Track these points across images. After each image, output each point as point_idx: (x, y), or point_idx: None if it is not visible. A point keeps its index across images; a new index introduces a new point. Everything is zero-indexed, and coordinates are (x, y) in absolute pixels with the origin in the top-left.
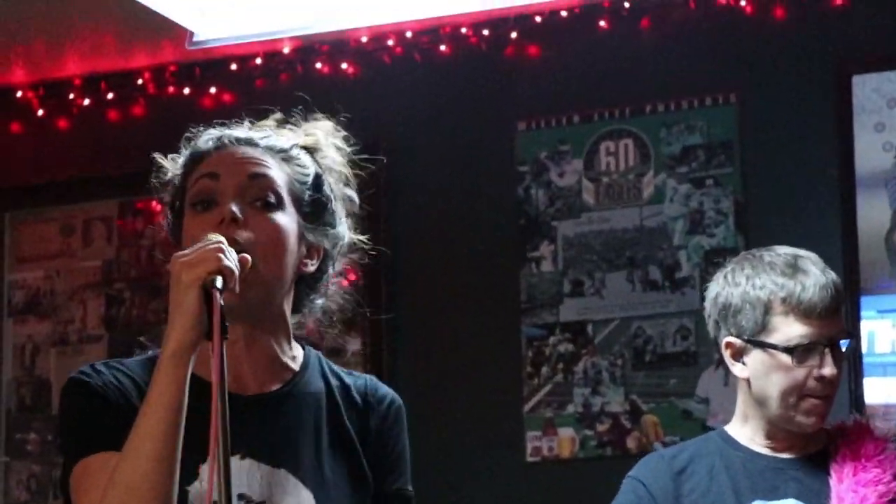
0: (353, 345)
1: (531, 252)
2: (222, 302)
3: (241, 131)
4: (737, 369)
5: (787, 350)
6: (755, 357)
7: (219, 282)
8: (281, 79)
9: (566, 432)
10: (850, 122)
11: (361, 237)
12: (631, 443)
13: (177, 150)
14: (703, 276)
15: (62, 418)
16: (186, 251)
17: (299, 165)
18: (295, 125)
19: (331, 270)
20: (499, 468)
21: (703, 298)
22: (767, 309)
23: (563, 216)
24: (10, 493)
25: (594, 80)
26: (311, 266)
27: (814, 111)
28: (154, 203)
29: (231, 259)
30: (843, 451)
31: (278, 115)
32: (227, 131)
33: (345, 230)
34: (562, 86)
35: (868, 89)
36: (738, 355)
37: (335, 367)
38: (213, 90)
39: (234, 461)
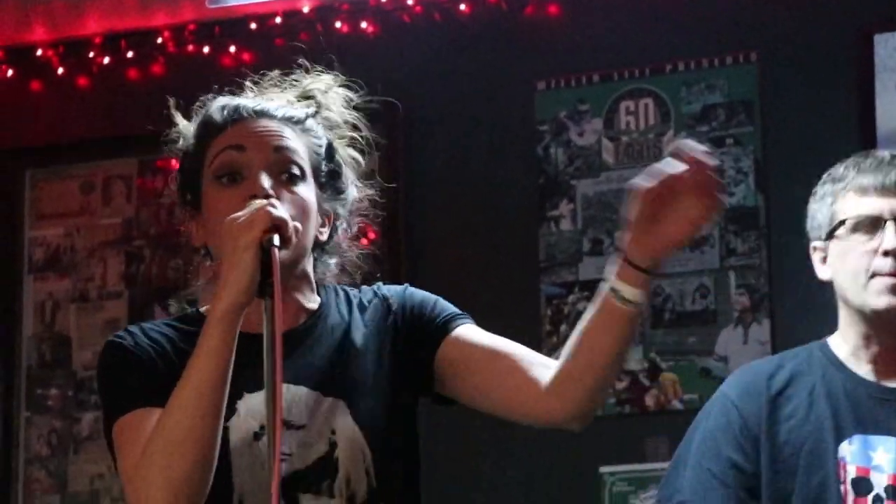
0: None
1: (550, 211)
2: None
3: (257, 102)
4: (823, 273)
5: (847, 226)
6: (831, 253)
7: (276, 240)
8: (300, 38)
9: None
10: (872, 82)
11: (369, 191)
12: (649, 401)
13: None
14: (722, 234)
15: (100, 381)
16: (239, 213)
17: (315, 136)
18: (297, 80)
19: (340, 232)
20: (517, 425)
21: (721, 257)
22: (833, 199)
23: (583, 175)
24: (30, 447)
25: (614, 39)
26: (325, 234)
27: (835, 70)
28: (174, 162)
29: (284, 212)
30: None
31: (276, 73)
32: (242, 101)
33: (353, 192)
34: (581, 45)
35: (890, 48)
36: (823, 261)
37: (350, 292)
38: (232, 49)
39: (252, 396)
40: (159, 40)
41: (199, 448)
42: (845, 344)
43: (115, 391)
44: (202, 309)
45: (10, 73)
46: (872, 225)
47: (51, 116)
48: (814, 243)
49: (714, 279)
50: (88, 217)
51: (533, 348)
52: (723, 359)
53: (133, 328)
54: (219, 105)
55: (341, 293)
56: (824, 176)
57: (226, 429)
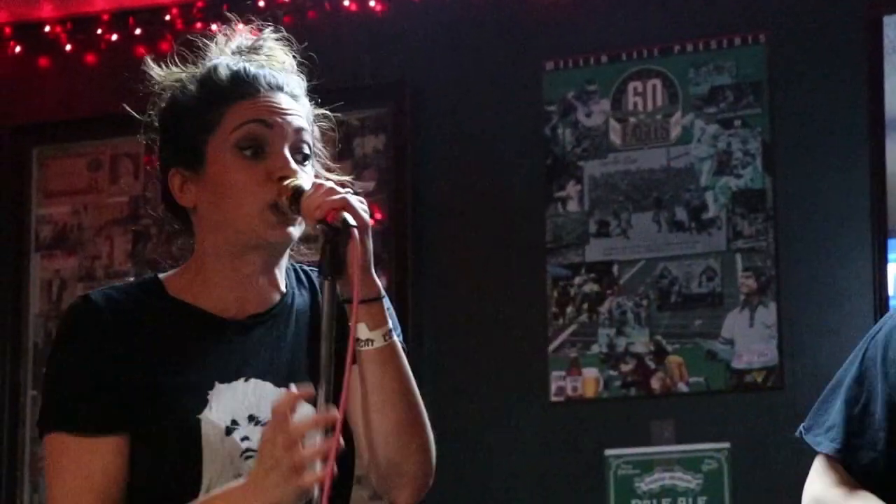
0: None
1: (557, 192)
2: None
3: (272, 75)
4: None
5: None
6: None
7: (351, 219)
8: (308, 16)
9: (590, 372)
10: (880, 63)
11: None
12: (655, 383)
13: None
14: (729, 217)
15: (51, 363)
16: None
17: (309, 114)
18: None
19: None
20: (523, 407)
21: (728, 239)
22: None
23: (590, 156)
24: (36, 426)
25: (622, 19)
26: None
27: (843, 52)
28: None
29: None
30: None
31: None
32: (258, 71)
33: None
34: (590, 25)
35: None
36: None
37: (306, 270)
38: (240, 27)
39: (240, 384)
40: (167, 18)
41: None
42: None
43: (61, 392)
44: (161, 276)
45: (18, 49)
46: None
47: (58, 93)
48: None
49: (721, 261)
50: (96, 195)
51: (539, 329)
52: (729, 342)
53: (99, 301)
54: (232, 70)
55: (293, 273)
56: None
57: (197, 420)
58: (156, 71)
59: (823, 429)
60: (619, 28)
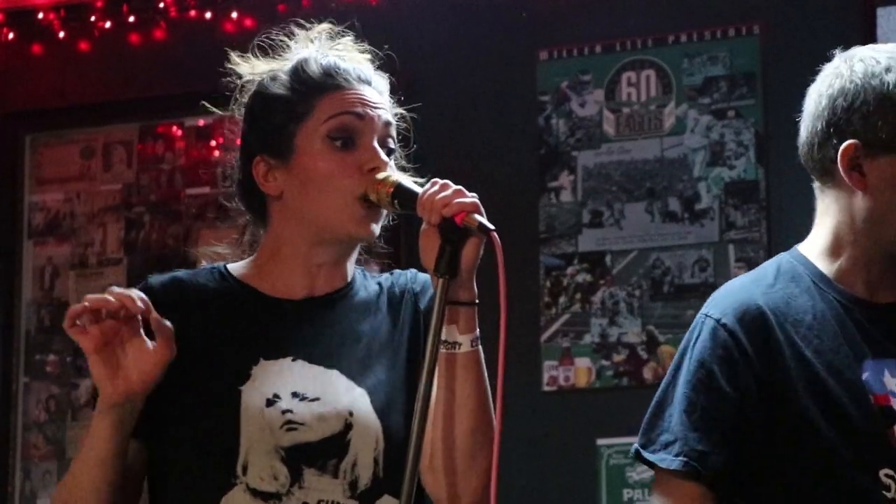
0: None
1: (551, 182)
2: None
3: (362, 69)
4: (853, 179)
5: None
6: (881, 165)
7: (487, 223)
8: (303, 5)
9: (583, 362)
10: None
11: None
12: (647, 373)
13: (199, 75)
14: (722, 207)
15: None
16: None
17: (392, 110)
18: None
19: None
20: (515, 397)
21: (721, 230)
22: None
23: (584, 146)
24: (29, 413)
25: (617, 10)
26: None
27: (838, 43)
28: (174, 128)
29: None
30: None
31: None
32: (350, 66)
33: None
34: (584, 15)
35: (892, 21)
36: (856, 163)
37: (377, 277)
38: (234, 15)
39: (286, 362)
40: (161, 5)
41: None
42: (837, 263)
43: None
44: (229, 265)
45: (10, 36)
46: None
47: (52, 80)
48: (851, 140)
49: (713, 252)
50: (88, 182)
51: (531, 319)
52: None
53: (154, 285)
54: (322, 63)
55: (368, 276)
56: (880, 56)
57: (237, 391)
58: (244, 66)
59: (661, 445)
60: (614, 18)
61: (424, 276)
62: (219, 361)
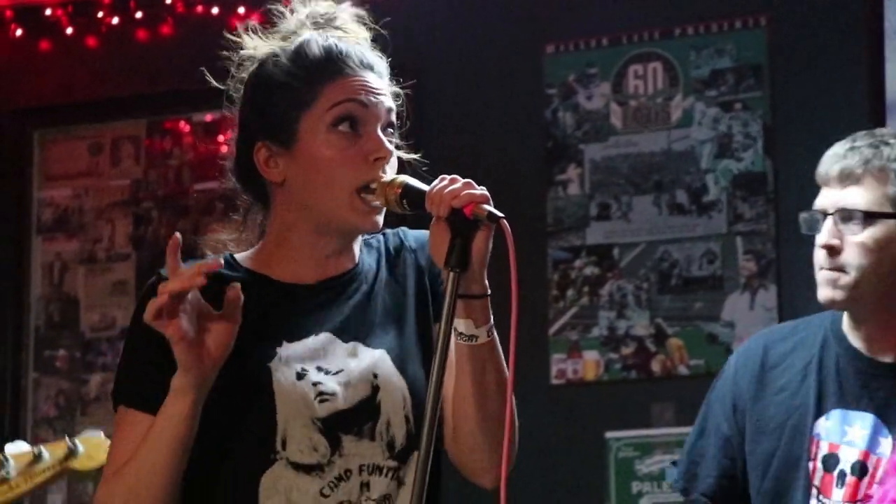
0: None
1: (558, 175)
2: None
3: (364, 54)
4: None
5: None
6: None
7: (496, 212)
8: None
9: (591, 355)
10: (881, 46)
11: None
12: (655, 366)
13: (211, 70)
14: (730, 200)
15: (126, 338)
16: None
17: (391, 92)
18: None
19: None
20: (523, 390)
21: (729, 223)
22: None
23: (591, 139)
24: (38, 408)
25: (623, 3)
26: None
27: (844, 35)
28: (182, 123)
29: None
30: None
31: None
32: (352, 50)
33: None
34: (590, 8)
35: None
36: None
37: (371, 239)
38: (241, 10)
39: (308, 342)
40: (168, 1)
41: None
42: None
43: (130, 369)
44: (235, 254)
45: (19, 32)
46: (817, 217)
47: (59, 77)
48: None
49: (721, 245)
50: (97, 178)
51: (539, 312)
52: (729, 324)
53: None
54: (323, 47)
55: (364, 239)
56: None
57: (267, 368)
58: (245, 41)
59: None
60: (620, 11)
61: (416, 232)
62: (243, 346)
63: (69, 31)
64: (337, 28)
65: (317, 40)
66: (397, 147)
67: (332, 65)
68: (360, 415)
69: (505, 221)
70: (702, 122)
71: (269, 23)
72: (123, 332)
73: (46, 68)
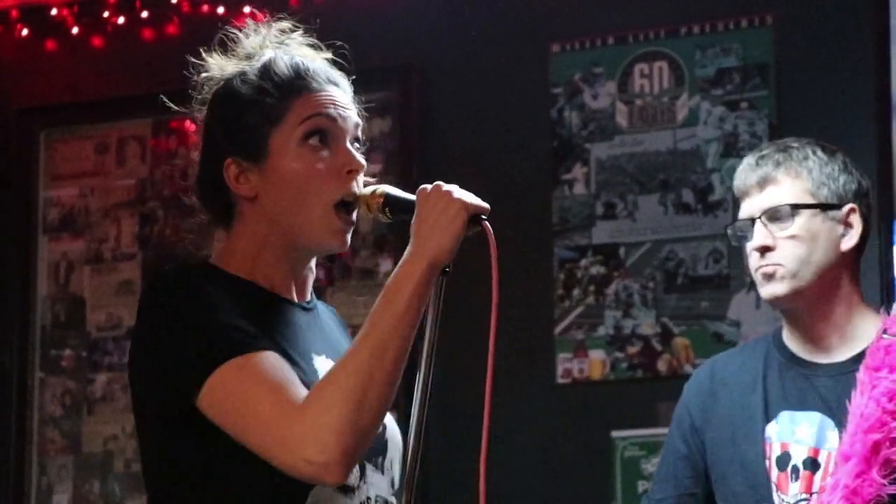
0: (385, 266)
1: (564, 174)
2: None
3: (329, 70)
4: None
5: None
6: None
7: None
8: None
9: (597, 354)
10: (887, 46)
11: None
12: (662, 365)
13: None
14: (735, 199)
15: (183, 314)
16: (448, 186)
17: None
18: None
19: None
20: (529, 390)
21: (735, 221)
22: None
23: (597, 139)
24: (44, 408)
25: (629, 1)
26: None
27: (850, 34)
28: (188, 123)
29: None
30: (866, 361)
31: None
32: (318, 66)
33: None
34: (596, 7)
35: None
36: None
37: None
38: (246, 9)
39: (322, 360)
40: (174, 0)
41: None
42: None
43: (228, 327)
44: (212, 261)
45: (24, 32)
46: (745, 226)
47: (65, 76)
48: None
49: (727, 244)
50: (103, 178)
51: (545, 311)
52: (735, 323)
53: (193, 277)
54: (291, 64)
55: None
56: None
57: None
58: (210, 62)
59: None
60: (626, 10)
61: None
62: (289, 355)
63: (75, 30)
64: (295, 48)
65: (282, 58)
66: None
67: (301, 80)
68: (377, 446)
69: (486, 224)
70: (707, 122)
71: (226, 46)
72: (130, 332)
73: (52, 68)
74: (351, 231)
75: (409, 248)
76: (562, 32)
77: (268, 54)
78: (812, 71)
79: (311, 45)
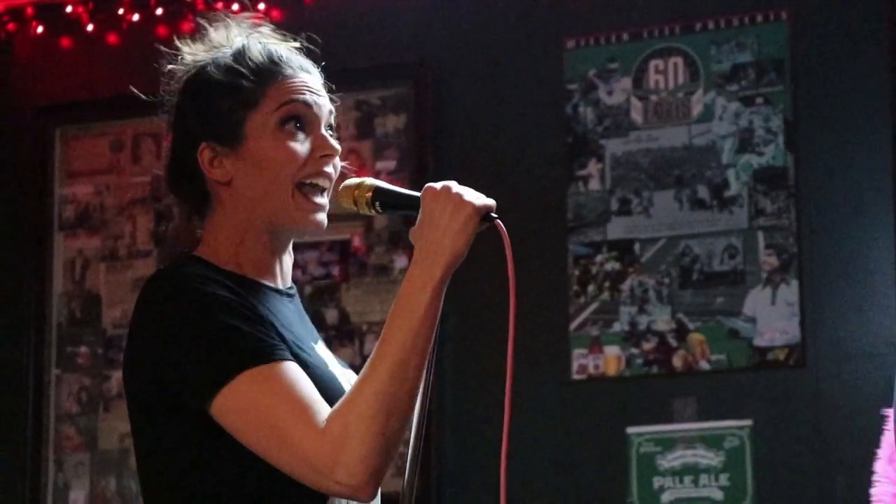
0: (400, 262)
1: (579, 170)
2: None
3: (300, 57)
4: None
5: None
6: None
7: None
8: None
9: (612, 350)
10: None
11: None
12: (677, 361)
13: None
14: (751, 194)
15: (193, 319)
16: (454, 185)
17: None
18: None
19: None
20: (544, 386)
21: (750, 217)
22: None
23: (612, 134)
24: (60, 405)
25: None
26: None
27: (865, 28)
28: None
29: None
30: None
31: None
32: (288, 54)
33: None
34: (611, 3)
35: None
36: None
37: None
38: (261, 6)
39: (320, 348)
40: None
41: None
42: None
43: (250, 333)
44: (197, 254)
45: (40, 29)
46: None
47: (80, 74)
48: None
49: (742, 239)
50: (118, 175)
51: (560, 307)
52: (751, 319)
53: (201, 281)
54: (264, 50)
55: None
56: None
57: (332, 375)
58: (182, 49)
59: None
60: (640, 6)
61: None
62: (293, 349)
63: (90, 28)
64: (265, 37)
65: (255, 45)
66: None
67: (275, 66)
68: None
69: (499, 223)
70: (723, 117)
71: (200, 35)
72: None
73: (67, 65)
74: (323, 212)
75: (419, 253)
76: (576, 28)
77: (240, 41)
78: (827, 66)
79: (281, 37)
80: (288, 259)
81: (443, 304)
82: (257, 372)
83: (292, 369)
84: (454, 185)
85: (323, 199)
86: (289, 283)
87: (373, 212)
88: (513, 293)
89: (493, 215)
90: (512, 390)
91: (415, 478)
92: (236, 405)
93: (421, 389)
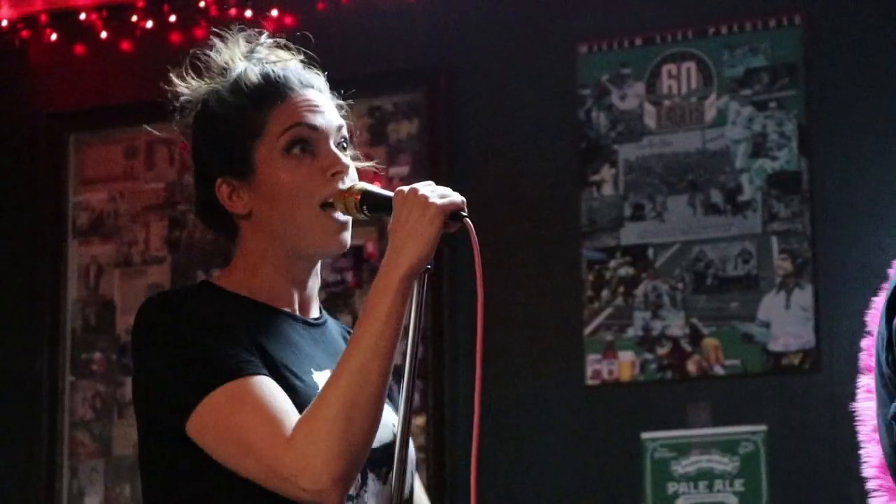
0: None
1: (592, 175)
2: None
3: (302, 73)
4: None
5: None
6: None
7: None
8: (342, 1)
9: (626, 356)
10: None
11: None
12: (691, 366)
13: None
14: (765, 199)
15: (178, 338)
16: (419, 186)
17: (335, 105)
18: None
19: None
20: (558, 391)
21: (764, 222)
22: None
23: (625, 139)
24: (75, 411)
25: (656, 2)
26: None
27: (880, 32)
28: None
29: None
30: None
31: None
32: (289, 73)
33: None
34: (624, 8)
35: None
36: None
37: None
38: (274, 13)
39: (322, 375)
40: (202, 4)
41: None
42: None
43: (220, 352)
44: (212, 280)
45: (54, 37)
46: None
47: (94, 81)
48: None
49: (756, 244)
50: (132, 182)
51: (574, 313)
52: (765, 324)
53: (187, 300)
54: (260, 73)
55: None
56: None
57: (296, 391)
58: (181, 86)
59: None
60: (653, 10)
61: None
62: (281, 371)
63: (103, 35)
64: (265, 55)
65: (252, 68)
66: (354, 158)
67: (273, 89)
68: (382, 457)
69: (468, 221)
70: (736, 122)
71: (198, 65)
72: None
73: (81, 72)
74: (348, 230)
75: (385, 257)
76: (589, 33)
77: (239, 67)
78: (841, 70)
79: (282, 47)
80: (312, 284)
81: (458, 315)
82: (226, 389)
83: (264, 383)
84: (422, 187)
85: (345, 217)
86: (314, 313)
87: (361, 216)
88: (480, 292)
89: (463, 213)
90: (481, 391)
91: (402, 481)
92: (207, 422)
93: (404, 393)
